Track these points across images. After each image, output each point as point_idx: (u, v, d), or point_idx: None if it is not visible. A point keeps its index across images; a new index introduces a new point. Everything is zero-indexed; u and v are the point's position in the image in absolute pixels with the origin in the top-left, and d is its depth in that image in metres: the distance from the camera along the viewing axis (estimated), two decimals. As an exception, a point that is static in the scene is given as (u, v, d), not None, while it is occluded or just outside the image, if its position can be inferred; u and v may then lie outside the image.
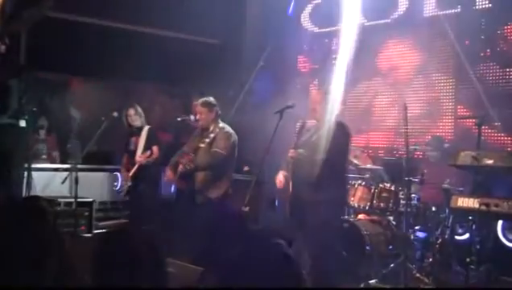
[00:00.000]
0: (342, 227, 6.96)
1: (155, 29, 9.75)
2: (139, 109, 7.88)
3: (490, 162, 5.07)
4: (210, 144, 6.69)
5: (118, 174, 9.55)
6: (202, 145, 6.72)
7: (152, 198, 7.75)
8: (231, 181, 6.93)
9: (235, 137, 6.86)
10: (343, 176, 6.17)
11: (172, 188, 8.89)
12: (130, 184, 7.72)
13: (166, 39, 9.82)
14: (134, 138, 7.87)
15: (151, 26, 9.71)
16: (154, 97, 9.78)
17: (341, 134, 5.91)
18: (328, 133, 5.81)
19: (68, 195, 7.89)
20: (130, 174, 7.67)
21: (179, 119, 8.02)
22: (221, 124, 6.87)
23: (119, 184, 9.51)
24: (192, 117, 8.26)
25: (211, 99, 7.03)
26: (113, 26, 9.41)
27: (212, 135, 6.68)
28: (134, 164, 7.68)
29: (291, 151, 5.90)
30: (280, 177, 6.07)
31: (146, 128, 7.85)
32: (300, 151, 5.88)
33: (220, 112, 7.03)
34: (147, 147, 7.69)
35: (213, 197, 6.65)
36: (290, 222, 6.00)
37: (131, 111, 7.85)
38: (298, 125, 6.39)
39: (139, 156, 7.62)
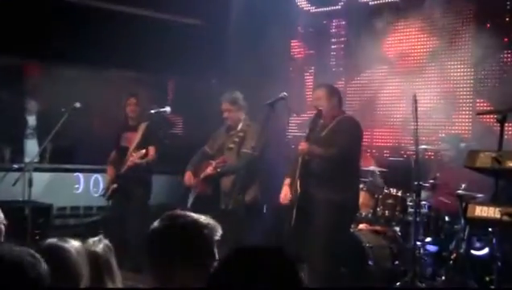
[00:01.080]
0: (346, 235, 6.89)
1: (125, 6, 9.56)
2: (142, 100, 7.76)
3: (515, 165, 4.96)
4: (239, 144, 6.77)
5: (80, 175, 9.40)
6: (232, 145, 6.82)
7: (142, 203, 7.61)
8: (261, 185, 7.01)
9: (267, 135, 6.88)
10: (355, 178, 6.41)
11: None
12: (115, 186, 7.56)
13: (137, 18, 9.65)
14: (128, 134, 7.72)
15: (121, 3, 9.52)
16: (125, 85, 9.61)
17: (353, 130, 6.23)
18: (338, 129, 6.11)
19: (20, 199, 7.72)
20: (119, 173, 7.52)
21: (152, 112, 7.89)
22: (249, 121, 6.95)
23: (81, 186, 9.38)
24: (168, 108, 8.11)
25: (238, 94, 7.10)
26: (75, 3, 9.22)
27: (241, 134, 6.77)
28: (123, 163, 7.53)
29: (303, 143, 6.06)
30: (286, 190, 6.21)
31: (144, 124, 7.70)
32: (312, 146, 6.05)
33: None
34: (142, 145, 7.52)
35: (242, 203, 6.69)
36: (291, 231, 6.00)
37: (133, 100, 7.68)
38: (311, 116, 6.53)
39: (132, 156, 7.44)
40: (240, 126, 6.89)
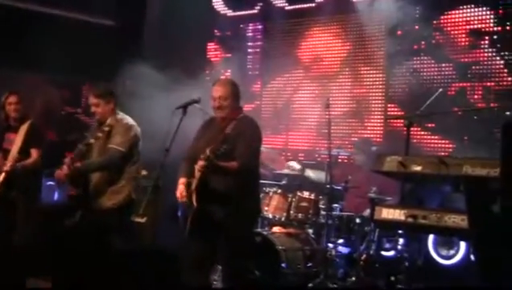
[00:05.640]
0: (254, 242, 6.94)
1: (36, 5, 9.44)
2: (23, 98, 7.43)
3: (418, 168, 5.13)
4: (105, 139, 6.33)
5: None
6: (92, 141, 6.27)
7: (28, 208, 7.36)
8: (134, 184, 6.69)
9: (137, 130, 6.59)
10: (257, 184, 6.10)
11: (56, 195, 8.67)
12: None
13: (50, 17, 9.53)
14: (10, 135, 7.40)
15: (32, 2, 9.38)
16: (35, 86, 9.46)
17: (255, 135, 5.76)
18: (240, 135, 5.62)
19: None
20: (0, 179, 7.23)
21: (64, 113, 7.79)
22: (120, 115, 6.59)
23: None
24: (80, 110, 8.03)
25: (107, 87, 6.67)
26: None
27: (106, 129, 6.36)
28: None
29: (200, 162, 5.47)
30: (181, 189, 5.77)
31: (27, 124, 7.40)
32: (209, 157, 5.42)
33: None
34: (25, 147, 7.27)
35: (110, 205, 6.35)
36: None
37: (12, 99, 7.23)
38: (202, 123, 6.06)
39: (9, 161, 7.16)
40: (108, 121, 6.38)
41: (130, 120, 6.55)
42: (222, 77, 6.10)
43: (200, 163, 5.45)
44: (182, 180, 5.85)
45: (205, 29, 10.03)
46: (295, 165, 7.92)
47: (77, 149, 6.38)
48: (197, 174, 5.65)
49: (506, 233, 3.54)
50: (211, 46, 10.32)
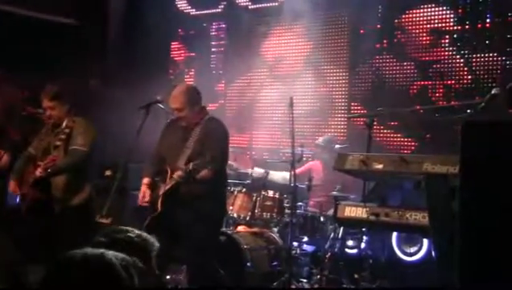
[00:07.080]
0: (219, 242, 6.98)
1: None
2: None
3: (380, 166, 5.20)
4: (67, 141, 6.34)
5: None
6: (58, 143, 6.37)
7: None
8: (93, 182, 6.69)
9: (95, 130, 6.61)
10: (224, 187, 6.18)
11: (18, 199, 8.59)
12: None
13: (11, 15, 9.44)
14: None
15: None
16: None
17: (221, 138, 5.86)
18: (207, 141, 5.72)
19: None
20: None
21: (25, 114, 7.71)
22: (76, 117, 6.59)
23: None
24: (41, 110, 7.96)
25: (61, 89, 6.68)
26: None
27: (67, 131, 6.36)
28: None
29: (179, 172, 5.58)
30: (144, 190, 5.88)
31: None
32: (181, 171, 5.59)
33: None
34: None
35: (75, 204, 6.32)
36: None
37: None
38: (165, 124, 6.18)
39: None
40: (65, 123, 6.36)
41: (86, 121, 6.55)
42: (177, 86, 6.07)
43: (179, 173, 5.58)
44: (146, 180, 5.90)
45: (169, 28, 10.00)
46: (258, 170, 7.96)
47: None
48: (171, 181, 5.72)
49: (465, 229, 3.60)
50: (174, 45, 10.31)
